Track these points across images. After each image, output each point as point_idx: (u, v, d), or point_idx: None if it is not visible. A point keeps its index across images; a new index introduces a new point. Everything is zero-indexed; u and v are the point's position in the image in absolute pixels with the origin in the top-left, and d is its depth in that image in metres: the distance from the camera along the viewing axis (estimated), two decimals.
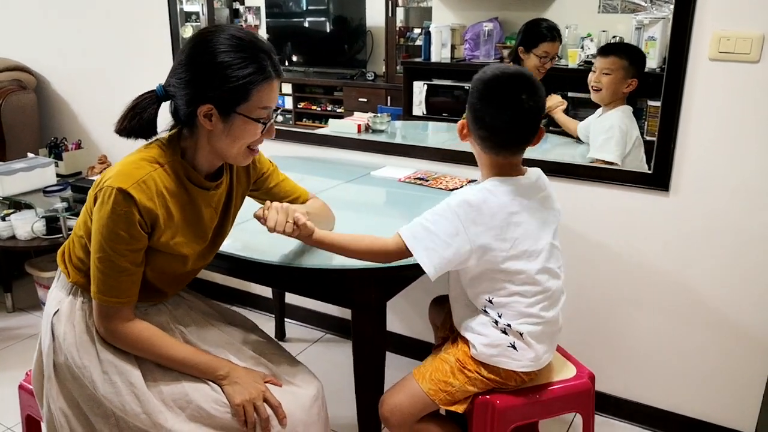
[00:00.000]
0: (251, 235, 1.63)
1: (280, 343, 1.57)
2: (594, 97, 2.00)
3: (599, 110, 2.04)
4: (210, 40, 1.20)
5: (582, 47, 2.06)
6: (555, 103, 2.11)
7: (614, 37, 1.99)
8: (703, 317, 1.92)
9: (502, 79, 1.36)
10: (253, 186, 1.50)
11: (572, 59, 2.10)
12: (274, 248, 1.55)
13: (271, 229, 1.33)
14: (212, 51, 1.19)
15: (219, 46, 1.19)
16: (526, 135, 1.39)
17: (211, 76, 1.19)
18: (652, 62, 1.88)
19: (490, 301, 1.42)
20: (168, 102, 1.28)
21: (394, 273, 1.50)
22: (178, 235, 1.28)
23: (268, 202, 1.36)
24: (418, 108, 2.40)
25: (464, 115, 1.44)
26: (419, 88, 2.39)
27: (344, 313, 2.58)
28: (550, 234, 1.44)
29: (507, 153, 1.40)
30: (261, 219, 1.35)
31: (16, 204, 2.65)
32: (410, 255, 1.37)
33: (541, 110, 1.39)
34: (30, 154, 2.87)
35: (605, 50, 1.98)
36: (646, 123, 1.93)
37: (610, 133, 1.97)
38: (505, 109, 1.35)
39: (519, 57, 2.15)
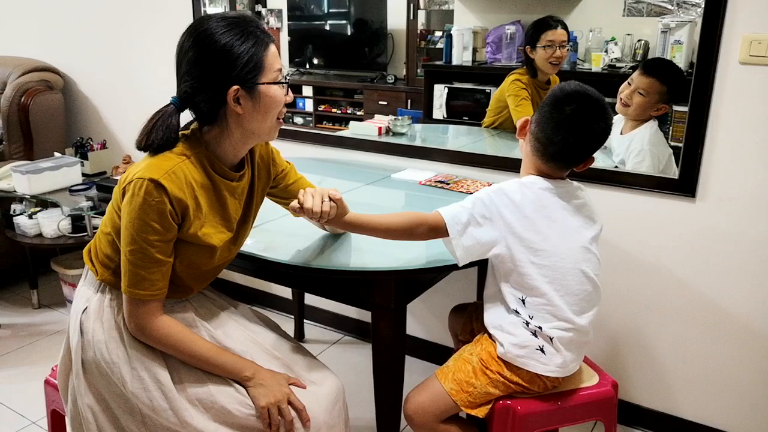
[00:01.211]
0: (273, 236, 1.64)
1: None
2: (619, 109, 1.95)
3: (621, 121, 1.98)
4: (205, 30, 1.23)
5: (606, 51, 2.03)
6: None
7: (639, 41, 1.96)
8: (729, 327, 1.88)
9: (582, 97, 1.40)
10: (273, 183, 1.51)
11: (596, 63, 2.07)
12: (296, 249, 1.56)
13: (309, 211, 1.33)
14: (213, 38, 1.22)
15: (216, 31, 1.22)
16: (578, 156, 1.44)
17: (224, 59, 1.22)
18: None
19: (523, 301, 1.42)
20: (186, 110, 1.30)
21: (415, 275, 1.50)
22: (206, 226, 1.30)
23: (300, 191, 1.37)
24: (439, 111, 2.40)
25: (533, 116, 1.47)
26: (440, 91, 2.38)
27: (363, 315, 2.58)
28: (585, 239, 1.45)
29: (553, 165, 1.44)
30: (296, 208, 1.35)
31: (42, 202, 2.70)
32: (444, 234, 1.40)
33: (603, 140, 1.42)
34: (57, 154, 2.91)
35: (648, 69, 1.90)
36: (671, 128, 1.89)
37: (640, 156, 1.93)
38: (571, 126, 1.38)
39: (529, 58, 2.13)
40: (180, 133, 1.30)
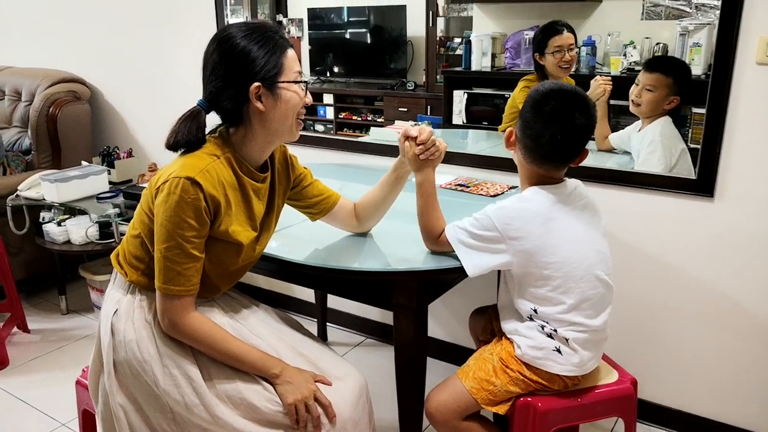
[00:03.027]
0: (296, 239, 1.68)
1: None
2: (633, 109, 1.98)
3: (638, 122, 2.01)
4: (227, 36, 1.31)
5: (624, 54, 2.03)
6: (598, 92, 2.03)
7: (658, 44, 1.96)
8: (748, 327, 1.88)
9: (559, 93, 1.40)
10: (292, 185, 1.57)
11: (614, 67, 2.07)
12: (319, 251, 1.60)
13: (429, 135, 1.44)
14: (235, 41, 1.30)
15: (237, 35, 1.30)
16: (571, 152, 1.43)
17: (245, 59, 1.29)
18: (697, 69, 1.85)
19: (535, 311, 1.44)
20: (212, 112, 1.36)
21: (436, 276, 1.53)
22: (234, 223, 1.35)
23: (418, 125, 1.46)
24: (458, 117, 2.41)
25: (515, 125, 1.48)
26: (459, 97, 2.40)
27: (385, 317, 2.60)
28: (596, 240, 1.46)
29: (549, 166, 1.44)
30: (410, 131, 1.45)
31: (70, 210, 2.76)
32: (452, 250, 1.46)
33: (590, 130, 1.42)
34: (84, 162, 2.99)
35: (651, 65, 1.93)
36: (690, 131, 1.89)
37: (651, 147, 1.95)
38: (555, 123, 1.39)
39: (539, 65, 2.15)
40: (209, 136, 1.35)
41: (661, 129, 1.94)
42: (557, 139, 1.39)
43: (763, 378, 1.90)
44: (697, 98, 1.83)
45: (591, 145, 2.05)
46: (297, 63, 1.36)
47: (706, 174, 1.82)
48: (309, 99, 1.39)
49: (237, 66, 1.30)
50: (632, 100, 1.97)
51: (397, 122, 2.58)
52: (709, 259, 1.90)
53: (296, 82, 1.35)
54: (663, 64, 1.93)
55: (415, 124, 2.44)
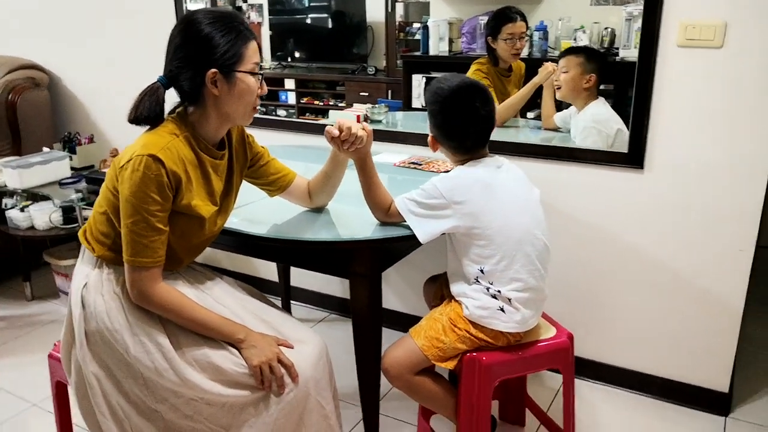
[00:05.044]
0: (257, 215, 1.76)
1: None
2: (558, 95, 2.13)
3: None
4: (193, 20, 1.39)
5: (575, 39, 2.13)
6: (544, 75, 2.16)
7: (606, 28, 2.06)
8: (677, 287, 2.05)
9: (458, 92, 1.57)
10: (250, 163, 1.65)
11: None
12: (279, 225, 1.69)
13: (348, 131, 1.53)
14: (198, 27, 1.37)
15: (202, 21, 1.38)
16: (488, 134, 1.60)
17: (205, 45, 1.37)
18: None
19: (482, 271, 1.56)
20: (171, 89, 1.43)
21: (384, 245, 1.64)
22: (195, 198, 1.43)
23: (338, 119, 1.54)
24: (417, 100, 2.47)
25: (430, 133, 1.63)
26: (418, 81, 2.46)
27: (346, 293, 2.70)
28: (530, 205, 1.60)
29: (476, 151, 1.61)
30: (331, 131, 1.54)
31: (33, 196, 2.77)
32: (403, 219, 1.59)
33: (494, 113, 1.59)
34: (45, 149, 2.99)
35: (563, 53, 2.11)
36: None
37: (585, 133, 2.09)
38: (466, 120, 1.56)
39: (491, 47, 2.24)
40: (168, 116, 1.43)
41: (593, 114, 2.09)
42: (473, 132, 1.58)
43: (690, 331, 2.07)
44: (600, 65, 1.98)
45: (538, 123, 2.23)
46: (257, 55, 1.43)
47: (636, 147, 1.97)
48: (264, 90, 1.47)
49: (198, 50, 1.37)
50: (555, 87, 2.12)
51: (355, 105, 2.64)
52: (640, 226, 2.05)
53: (253, 74, 1.42)
54: (571, 49, 2.10)
55: (373, 107, 2.54)
